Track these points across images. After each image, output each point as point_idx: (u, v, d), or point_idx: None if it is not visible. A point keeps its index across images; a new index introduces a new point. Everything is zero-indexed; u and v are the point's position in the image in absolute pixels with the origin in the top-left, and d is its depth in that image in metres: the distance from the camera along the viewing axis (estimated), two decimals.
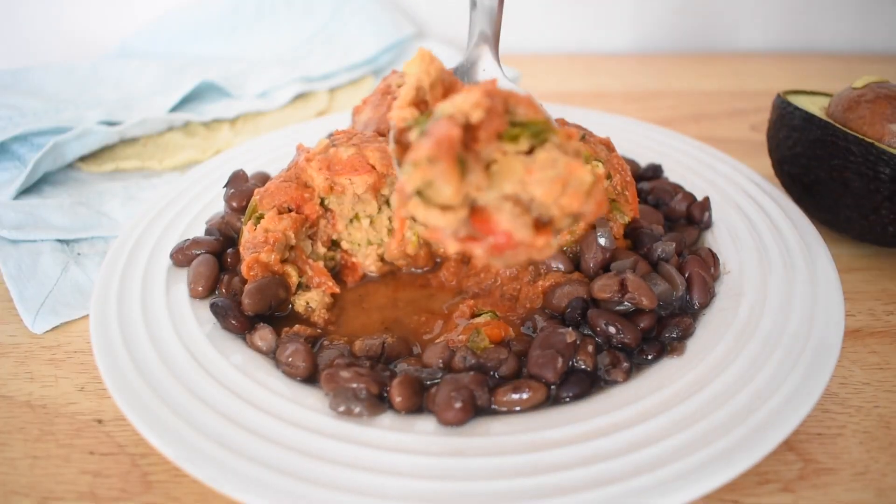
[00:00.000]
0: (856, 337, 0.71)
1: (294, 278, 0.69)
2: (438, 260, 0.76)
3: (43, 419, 0.62)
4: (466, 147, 0.48)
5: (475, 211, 0.49)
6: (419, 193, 0.47)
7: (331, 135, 0.76)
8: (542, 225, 0.49)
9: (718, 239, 0.76)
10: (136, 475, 0.57)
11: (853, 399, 0.64)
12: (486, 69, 0.76)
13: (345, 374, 0.58)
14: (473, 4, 0.76)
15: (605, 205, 0.49)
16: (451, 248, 0.49)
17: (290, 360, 0.61)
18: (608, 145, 0.74)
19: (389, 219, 0.74)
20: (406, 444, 0.54)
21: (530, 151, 0.49)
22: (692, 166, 0.89)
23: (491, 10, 0.75)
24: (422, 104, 0.55)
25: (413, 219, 0.49)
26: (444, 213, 0.47)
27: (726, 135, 1.14)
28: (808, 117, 0.81)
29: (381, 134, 0.77)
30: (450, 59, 1.34)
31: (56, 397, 0.65)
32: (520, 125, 0.50)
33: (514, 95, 0.51)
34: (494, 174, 0.49)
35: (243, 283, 0.68)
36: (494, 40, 0.76)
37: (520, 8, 1.39)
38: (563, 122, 0.75)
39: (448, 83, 0.58)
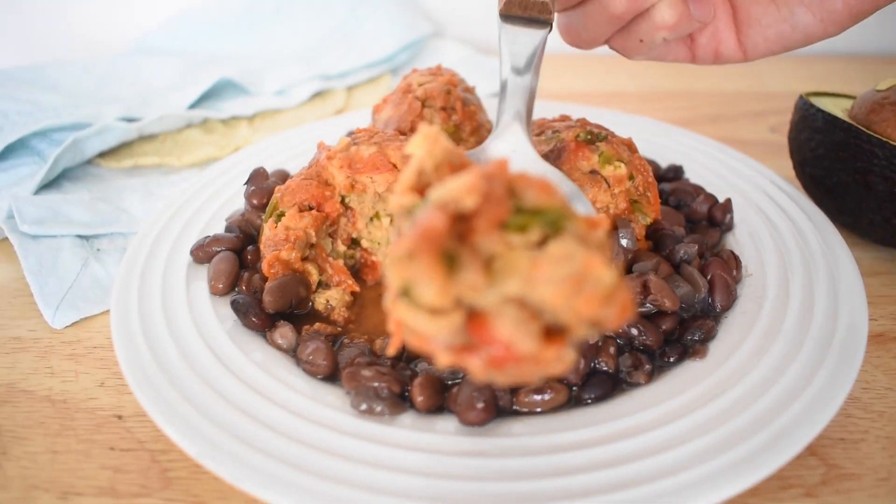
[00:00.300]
0: (879, 342, 0.71)
1: (314, 276, 0.69)
2: None
3: (63, 414, 0.63)
4: (462, 239, 0.41)
5: (473, 316, 0.41)
6: (405, 294, 0.40)
7: (351, 133, 0.75)
8: (555, 334, 0.41)
9: (740, 241, 0.76)
10: (156, 471, 0.57)
11: (876, 404, 0.64)
12: (517, 150, 0.69)
13: (366, 372, 0.58)
14: (503, 88, 0.70)
15: (630, 311, 0.40)
16: (442, 360, 0.41)
17: (310, 357, 0.61)
18: (630, 146, 0.73)
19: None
20: (427, 443, 0.54)
21: (543, 243, 0.41)
22: (713, 168, 0.88)
23: (525, 88, 0.69)
24: (427, 189, 0.47)
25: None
26: (434, 317, 0.39)
27: (745, 136, 1.14)
28: (832, 119, 0.80)
29: (402, 133, 0.77)
30: (467, 60, 1.35)
31: (76, 392, 0.65)
32: (530, 213, 0.42)
33: (523, 178, 0.43)
34: (497, 271, 0.41)
35: (263, 280, 0.68)
36: (527, 118, 0.70)
37: None
38: (584, 123, 0.75)
39: (458, 164, 0.49)
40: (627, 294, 0.40)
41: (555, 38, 0.73)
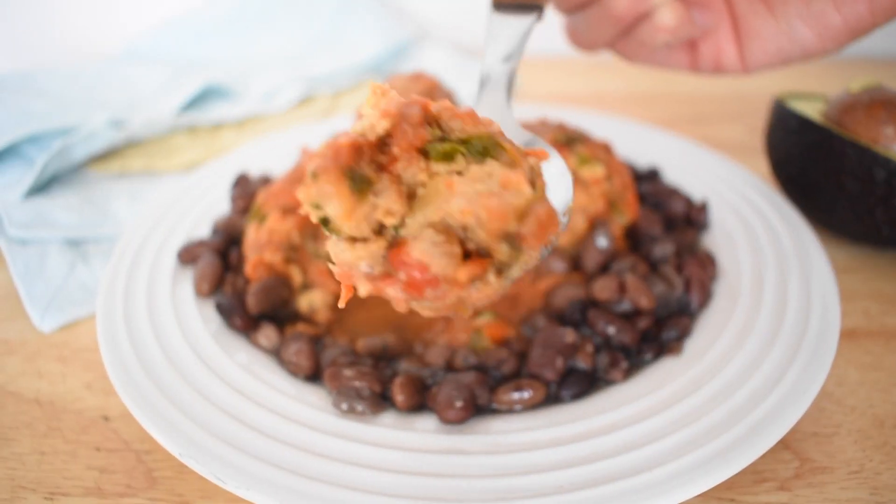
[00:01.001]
0: (851, 337, 0.72)
1: (298, 278, 0.70)
2: None
3: (50, 415, 0.63)
4: (382, 167, 0.41)
5: (394, 245, 0.41)
6: (325, 224, 0.40)
7: (335, 137, 0.76)
8: (478, 258, 0.41)
9: (716, 240, 0.77)
10: (142, 471, 0.58)
11: (848, 399, 0.65)
12: (498, 119, 0.65)
13: (348, 372, 0.59)
14: (486, 73, 0.67)
15: (553, 227, 0.39)
16: (362, 289, 0.41)
17: (293, 358, 0.62)
18: (607, 148, 0.74)
19: None
20: (407, 441, 0.55)
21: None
22: (691, 168, 0.89)
23: (508, 73, 0.67)
24: None
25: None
26: (354, 245, 0.40)
27: (724, 137, 1.15)
28: (805, 121, 0.82)
29: None
30: (451, 63, 1.36)
31: (63, 394, 0.66)
32: (455, 141, 0.43)
33: (448, 108, 0.44)
34: (420, 199, 0.41)
35: (247, 282, 0.69)
36: (508, 97, 0.68)
37: None
38: (562, 126, 0.76)
39: None
40: (549, 209, 0.40)
41: (541, 40, 0.73)
